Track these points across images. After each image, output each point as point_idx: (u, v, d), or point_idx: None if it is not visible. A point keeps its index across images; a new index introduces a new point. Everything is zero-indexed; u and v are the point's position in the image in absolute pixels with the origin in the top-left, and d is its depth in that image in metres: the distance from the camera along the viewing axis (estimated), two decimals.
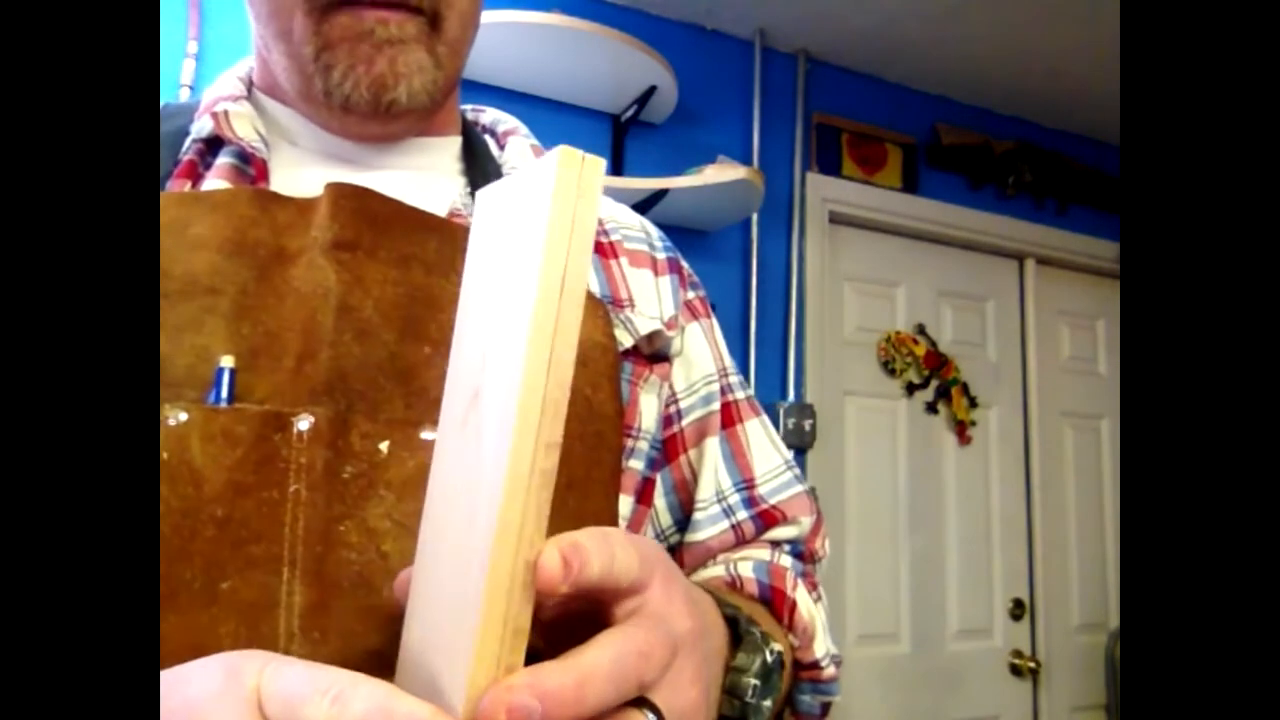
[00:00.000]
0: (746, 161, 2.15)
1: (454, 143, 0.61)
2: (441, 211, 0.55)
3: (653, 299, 0.61)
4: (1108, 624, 2.59)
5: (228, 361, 0.43)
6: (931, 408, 2.41)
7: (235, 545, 0.41)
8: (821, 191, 2.25)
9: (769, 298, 2.16)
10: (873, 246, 2.39)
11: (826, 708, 0.57)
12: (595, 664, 0.29)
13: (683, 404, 0.61)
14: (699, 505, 0.61)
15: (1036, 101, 2.52)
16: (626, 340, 0.57)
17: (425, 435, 0.46)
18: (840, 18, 2.13)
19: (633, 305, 0.59)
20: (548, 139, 2.03)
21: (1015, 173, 2.53)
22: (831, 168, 2.29)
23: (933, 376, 2.42)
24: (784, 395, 2.15)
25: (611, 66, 1.85)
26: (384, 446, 0.45)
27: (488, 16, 1.69)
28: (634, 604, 0.32)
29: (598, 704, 0.29)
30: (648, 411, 0.58)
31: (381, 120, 0.54)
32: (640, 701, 0.31)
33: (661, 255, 0.64)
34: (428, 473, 0.39)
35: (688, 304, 0.64)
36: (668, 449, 0.62)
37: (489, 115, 0.66)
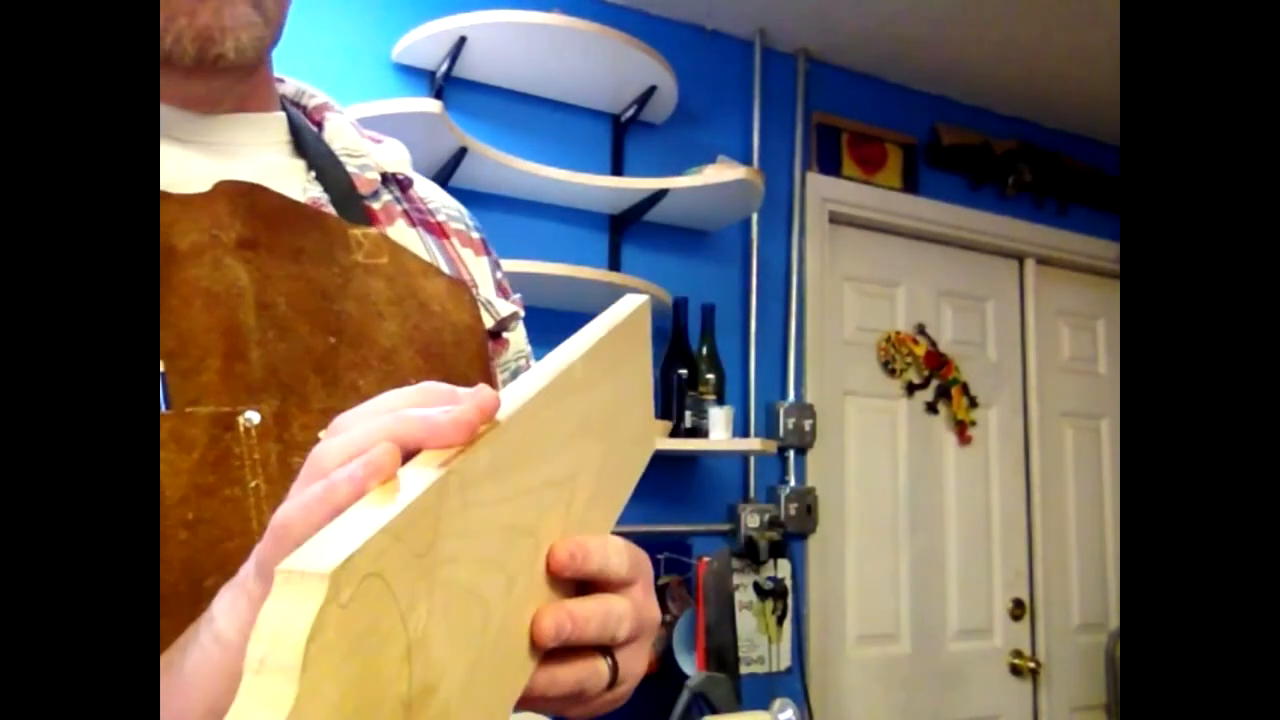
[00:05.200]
0: (746, 161, 2.15)
1: (280, 121, 0.59)
2: (296, 198, 0.55)
3: (485, 280, 0.64)
4: (1108, 624, 2.59)
5: None
6: (931, 408, 2.41)
7: (209, 545, 0.42)
8: (821, 191, 2.26)
9: (769, 298, 2.16)
10: (873, 246, 2.39)
11: None
12: (599, 607, 0.39)
13: (500, 378, 0.64)
14: None
15: (1036, 101, 2.52)
16: (489, 322, 0.60)
17: None
18: (840, 18, 2.13)
19: (475, 287, 0.61)
20: (548, 139, 2.02)
21: (1015, 173, 2.53)
22: (831, 168, 2.29)
23: (933, 376, 2.42)
24: (784, 395, 2.15)
25: (611, 66, 1.85)
26: (322, 435, 0.46)
27: (488, 16, 1.69)
28: (624, 592, 0.41)
29: (593, 636, 0.38)
30: (499, 383, 0.62)
31: (205, 76, 0.52)
32: (606, 652, 0.40)
33: (476, 235, 0.66)
34: None
35: (499, 284, 0.66)
36: None
37: (290, 86, 0.64)
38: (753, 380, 2.09)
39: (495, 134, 1.88)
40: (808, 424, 2.12)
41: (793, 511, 2.08)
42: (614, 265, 1.96)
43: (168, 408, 0.43)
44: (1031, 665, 2.41)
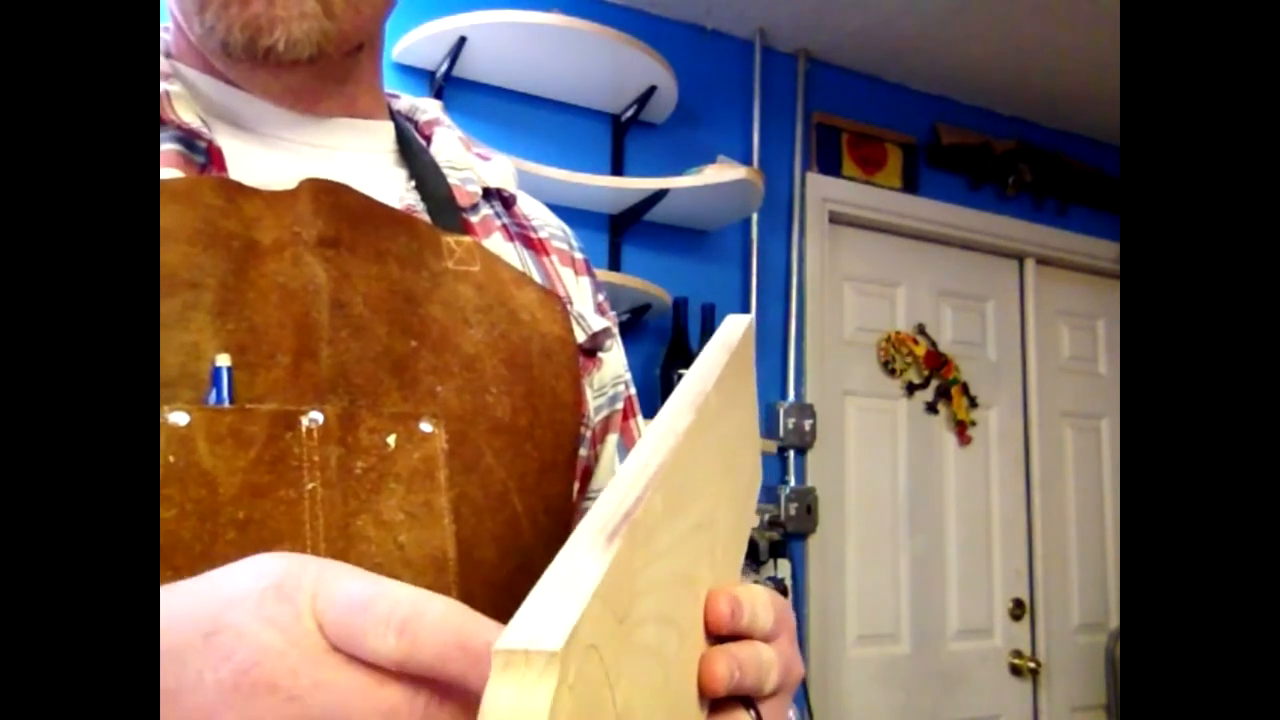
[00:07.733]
0: (746, 161, 2.15)
1: (387, 129, 0.59)
2: (392, 204, 0.55)
3: (583, 300, 0.63)
4: (1108, 624, 2.59)
5: (224, 360, 0.43)
6: (931, 408, 2.41)
7: (258, 546, 0.41)
8: (821, 191, 2.26)
9: (769, 298, 2.16)
10: (873, 246, 2.39)
11: None
12: (752, 653, 0.37)
13: (595, 401, 0.62)
14: (593, 494, 0.62)
15: (1036, 101, 2.52)
16: (580, 336, 0.59)
17: (424, 427, 0.46)
18: (840, 18, 2.13)
19: (570, 303, 0.61)
20: (548, 139, 2.02)
21: (1015, 173, 2.53)
22: (831, 168, 2.29)
23: (933, 376, 2.42)
24: (784, 395, 2.15)
25: (611, 66, 1.85)
26: (391, 440, 0.45)
27: (488, 16, 1.69)
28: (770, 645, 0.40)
29: (750, 684, 0.36)
30: (591, 403, 0.61)
31: (272, 70, 0.51)
32: (749, 706, 0.38)
33: (579, 256, 0.66)
34: (432, 464, 0.46)
35: (598, 305, 0.66)
36: None
37: (404, 102, 0.65)
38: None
39: (495, 134, 1.88)
40: (808, 424, 2.12)
41: (793, 511, 2.08)
42: (614, 265, 1.96)
43: (231, 403, 0.43)
44: (1031, 665, 2.41)
